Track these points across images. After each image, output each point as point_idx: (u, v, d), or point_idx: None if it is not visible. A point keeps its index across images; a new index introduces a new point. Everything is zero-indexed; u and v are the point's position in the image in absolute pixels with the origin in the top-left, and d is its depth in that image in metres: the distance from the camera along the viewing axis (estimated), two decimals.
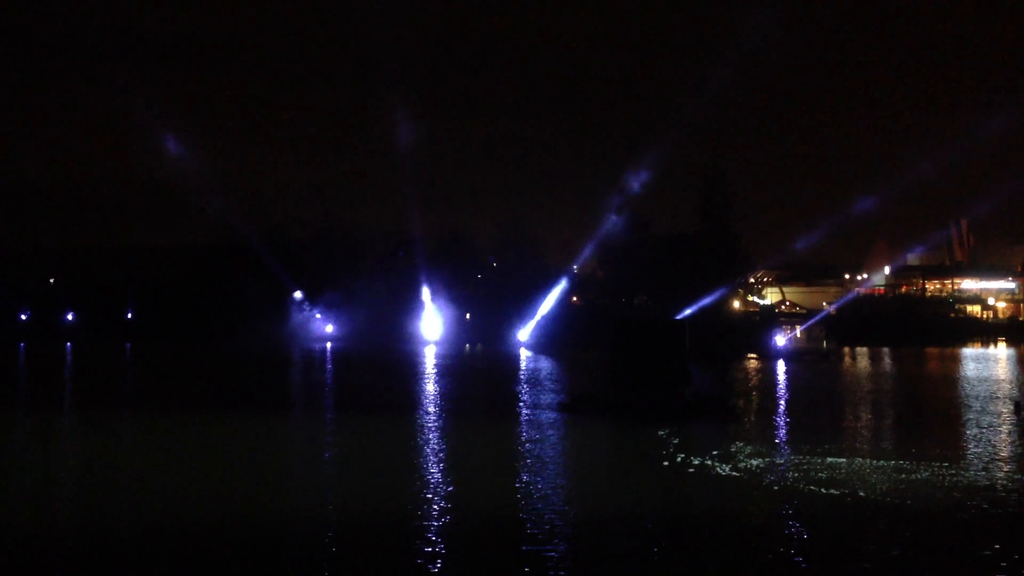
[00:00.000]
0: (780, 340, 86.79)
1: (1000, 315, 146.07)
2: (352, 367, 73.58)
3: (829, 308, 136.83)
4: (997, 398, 47.39)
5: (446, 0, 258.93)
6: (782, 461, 28.87)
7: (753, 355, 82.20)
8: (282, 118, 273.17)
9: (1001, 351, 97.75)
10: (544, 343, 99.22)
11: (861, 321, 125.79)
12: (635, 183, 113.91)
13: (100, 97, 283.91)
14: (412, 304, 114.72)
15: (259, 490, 25.25)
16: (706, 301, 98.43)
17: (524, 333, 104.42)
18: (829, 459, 28.76)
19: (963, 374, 65.65)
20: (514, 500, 23.77)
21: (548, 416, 40.00)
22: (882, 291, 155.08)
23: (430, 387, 56.78)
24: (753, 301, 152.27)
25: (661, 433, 34.55)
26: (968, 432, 35.56)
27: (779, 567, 18.36)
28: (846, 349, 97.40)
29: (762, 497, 24.05)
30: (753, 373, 66.49)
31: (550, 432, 35.64)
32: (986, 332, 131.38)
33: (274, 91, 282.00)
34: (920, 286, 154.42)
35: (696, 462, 28.68)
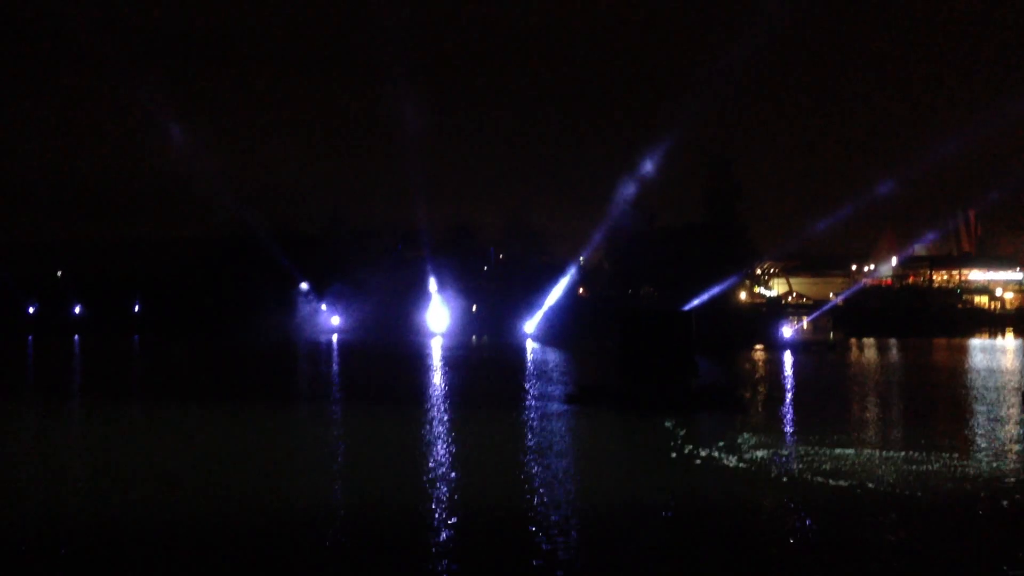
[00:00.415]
0: (787, 331, 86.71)
1: (1008, 306, 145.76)
2: (359, 359, 73.74)
3: (836, 299, 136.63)
4: (1005, 389, 47.31)
5: None
6: (790, 452, 28.88)
7: (760, 346, 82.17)
8: (290, 111, 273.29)
9: (1009, 342, 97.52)
10: (550, 335, 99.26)
11: (868, 312, 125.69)
12: (642, 174, 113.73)
13: (109, 90, 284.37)
14: (419, 296, 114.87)
15: (268, 481, 25.34)
16: (713, 292, 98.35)
17: (530, 325, 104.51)
18: (837, 450, 28.77)
19: (970, 365, 65.56)
20: (522, 491, 23.84)
21: (556, 407, 40.07)
22: (889, 282, 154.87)
23: (437, 379, 56.90)
24: (760, 292, 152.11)
25: (668, 424, 34.59)
26: (976, 423, 35.52)
27: (789, 559, 18.40)
28: (853, 340, 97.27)
29: (771, 489, 24.08)
30: (760, 364, 66.47)
31: (558, 423, 35.70)
32: (994, 323, 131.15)
33: (282, 84, 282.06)
34: (927, 277, 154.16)
35: (704, 453, 28.71)
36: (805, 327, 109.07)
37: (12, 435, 34.03)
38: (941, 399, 44.38)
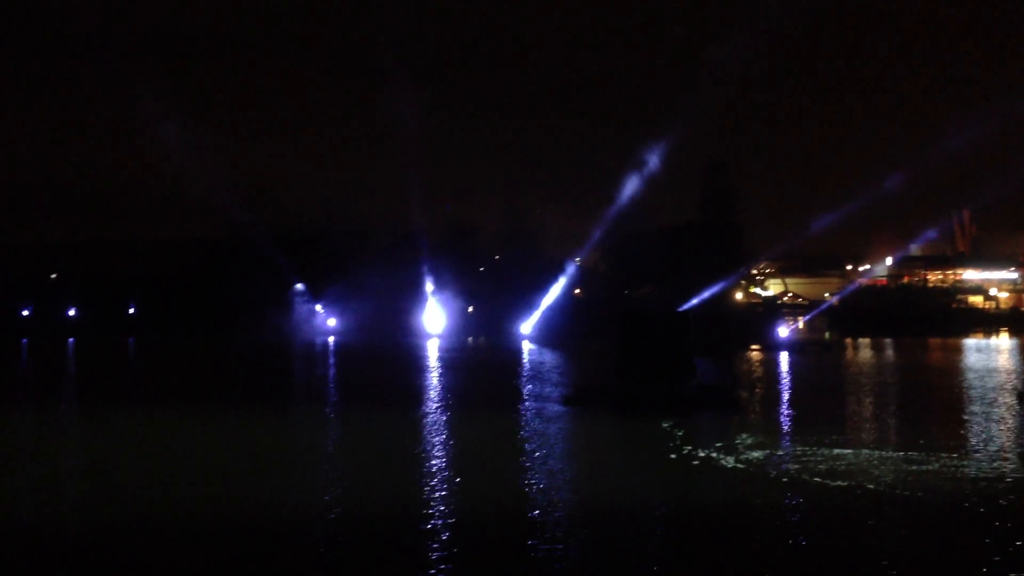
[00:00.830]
0: (783, 331, 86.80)
1: (1002, 305, 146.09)
2: (355, 361, 73.65)
3: (832, 299, 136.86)
4: (1001, 388, 47.39)
5: None
6: (788, 453, 28.89)
7: (756, 346, 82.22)
8: (286, 111, 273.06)
9: (1003, 341, 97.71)
10: (547, 336, 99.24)
11: (863, 312, 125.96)
12: (639, 174, 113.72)
13: (101, 90, 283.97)
14: (415, 297, 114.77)
15: (264, 482, 25.29)
16: (709, 292, 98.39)
17: (527, 326, 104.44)
18: (836, 451, 28.78)
19: (966, 365, 65.66)
20: (520, 493, 23.81)
21: (553, 409, 40.04)
22: (884, 282, 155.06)
23: (434, 380, 56.84)
24: (756, 292, 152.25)
25: (666, 425, 34.59)
26: (973, 423, 35.56)
27: (788, 560, 18.40)
28: (848, 340, 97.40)
29: (769, 489, 24.07)
30: (757, 364, 66.52)
31: (555, 425, 35.68)
32: (988, 322, 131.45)
33: (277, 83, 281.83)
34: (922, 277, 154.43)
35: (702, 454, 28.71)
36: (801, 327, 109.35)
37: (4, 439, 33.91)
38: (938, 399, 44.44)
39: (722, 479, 25.42)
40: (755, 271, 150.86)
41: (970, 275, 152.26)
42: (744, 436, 31.92)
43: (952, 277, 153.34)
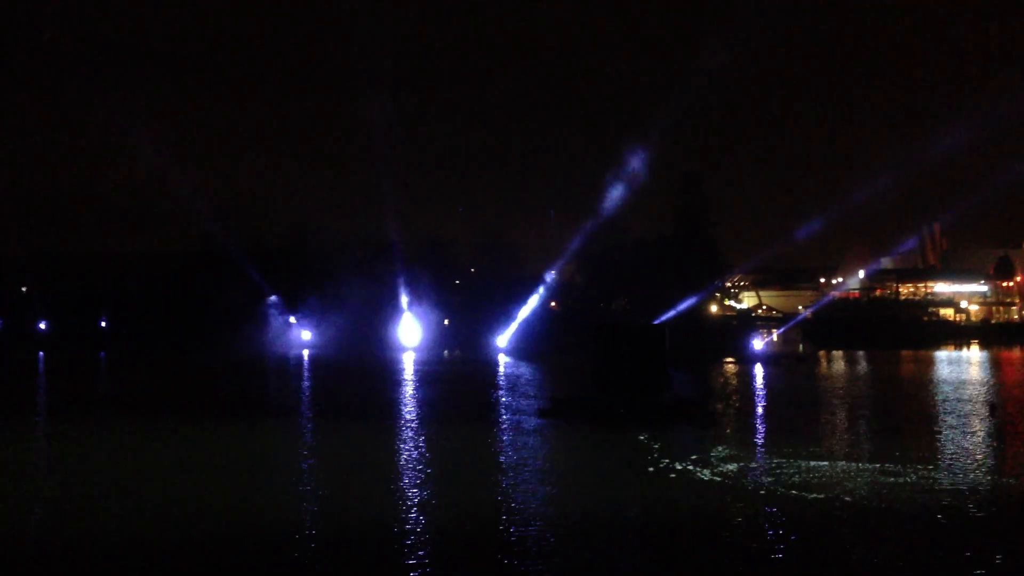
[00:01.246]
0: (757, 344, 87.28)
1: (973, 318, 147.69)
2: (330, 374, 73.15)
3: (805, 312, 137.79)
4: (973, 401, 47.82)
5: (423, 11, 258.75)
6: (764, 465, 28.93)
7: (731, 359, 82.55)
8: (260, 123, 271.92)
9: (974, 354, 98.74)
10: (523, 348, 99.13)
11: (836, 325, 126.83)
12: (615, 188, 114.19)
13: (74, 101, 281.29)
14: (391, 310, 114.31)
15: (237, 498, 24.95)
16: (684, 305, 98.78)
17: (503, 339, 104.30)
18: (811, 463, 28.86)
19: (938, 377, 66.26)
20: (496, 506, 23.65)
21: (529, 421, 39.92)
22: (857, 295, 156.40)
23: (409, 393, 56.55)
24: (730, 305, 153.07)
25: (642, 438, 34.56)
26: (947, 435, 35.81)
27: (767, 573, 18.37)
28: (822, 353, 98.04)
29: (747, 502, 24.06)
30: (731, 377, 66.77)
31: (531, 438, 35.55)
32: (959, 335, 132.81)
33: (251, 97, 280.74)
34: (894, 289, 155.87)
35: (679, 467, 28.69)
36: (775, 340, 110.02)
37: None
38: (911, 411, 44.76)
39: (700, 492, 25.39)
40: (729, 284, 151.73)
41: (941, 288, 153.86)
42: (720, 448, 31.95)
43: (924, 290, 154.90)
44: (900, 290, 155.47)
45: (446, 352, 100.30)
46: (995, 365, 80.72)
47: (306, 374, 73.57)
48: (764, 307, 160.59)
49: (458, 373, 74.00)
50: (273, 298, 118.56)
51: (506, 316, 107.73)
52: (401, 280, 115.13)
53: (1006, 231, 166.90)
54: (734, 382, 62.88)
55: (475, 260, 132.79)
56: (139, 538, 20.92)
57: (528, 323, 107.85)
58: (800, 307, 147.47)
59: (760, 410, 46.55)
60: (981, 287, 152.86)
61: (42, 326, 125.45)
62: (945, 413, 42.78)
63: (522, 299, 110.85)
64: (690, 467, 28.54)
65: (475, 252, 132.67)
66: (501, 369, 74.95)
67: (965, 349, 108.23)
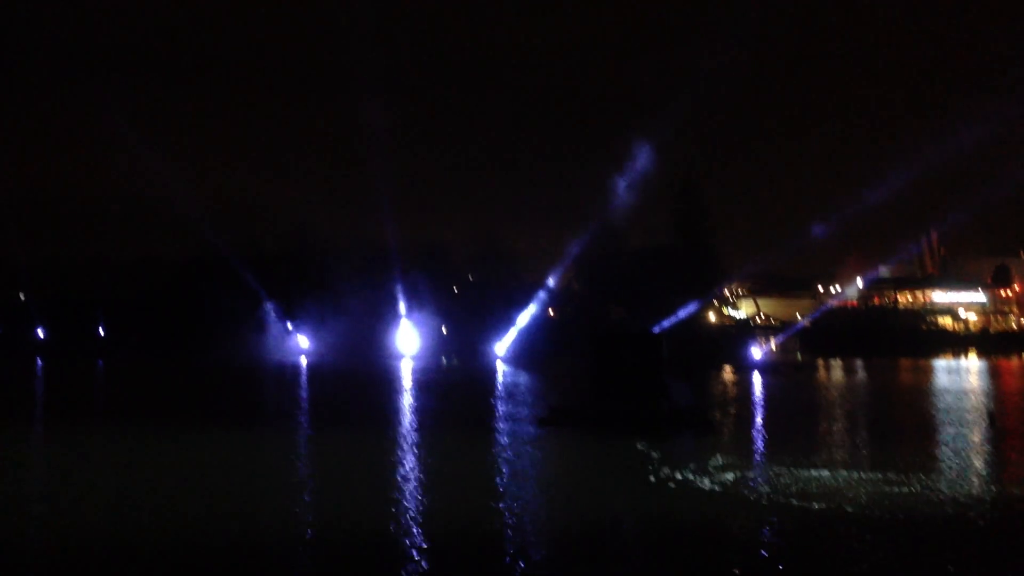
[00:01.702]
0: (755, 352, 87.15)
1: (971, 327, 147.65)
2: (328, 381, 72.96)
3: (803, 320, 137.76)
4: (973, 410, 47.67)
5: (420, 18, 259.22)
6: (765, 475, 28.76)
7: (729, 367, 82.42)
8: (257, 130, 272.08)
9: (972, 363, 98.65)
10: (521, 356, 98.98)
11: (834, 333, 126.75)
12: (613, 195, 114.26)
13: (71, 108, 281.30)
14: (388, 318, 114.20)
15: (234, 507, 24.77)
16: (682, 313, 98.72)
17: (501, 346, 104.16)
18: (812, 472, 28.70)
19: (937, 386, 66.13)
20: (494, 515, 23.47)
21: (526, 430, 39.74)
22: (855, 303, 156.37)
23: (407, 401, 56.36)
24: (728, 313, 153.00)
25: (640, 446, 34.39)
26: (946, 445, 35.65)
27: None
28: (820, 361, 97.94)
29: (748, 512, 23.87)
30: (730, 385, 66.62)
31: (528, 446, 35.37)
32: (957, 344, 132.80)
33: (248, 103, 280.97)
34: (892, 298, 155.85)
35: (678, 476, 28.51)
36: (773, 348, 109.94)
37: None
38: (911, 420, 44.62)
39: (700, 502, 25.22)
40: (727, 292, 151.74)
41: (939, 297, 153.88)
42: (720, 457, 31.77)
43: (922, 298, 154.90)
44: (898, 299, 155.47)
45: (444, 360, 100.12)
46: (994, 374, 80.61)
47: (304, 382, 73.35)
48: (762, 315, 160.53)
49: (456, 381, 73.81)
50: (271, 305, 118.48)
51: (504, 324, 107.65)
52: (399, 287, 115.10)
53: (1004, 240, 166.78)
54: (733, 390, 62.73)
55: (473, 267, 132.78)
56: (138, 547, 20.73)
57: (526, 331, 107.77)
58: (798, 315, 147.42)
59: (759, 419, 46.40)
60: (979, 296, 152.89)
61: (40, 333, 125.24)
62: (945, 422, 42.63)
63: (520, 307, 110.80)
64: (690, 476, 28.37)
65: (473, 259, 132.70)
66: (499, 377, 74.76)
67: (963, 358, 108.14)
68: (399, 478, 29.00)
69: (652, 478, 28.52)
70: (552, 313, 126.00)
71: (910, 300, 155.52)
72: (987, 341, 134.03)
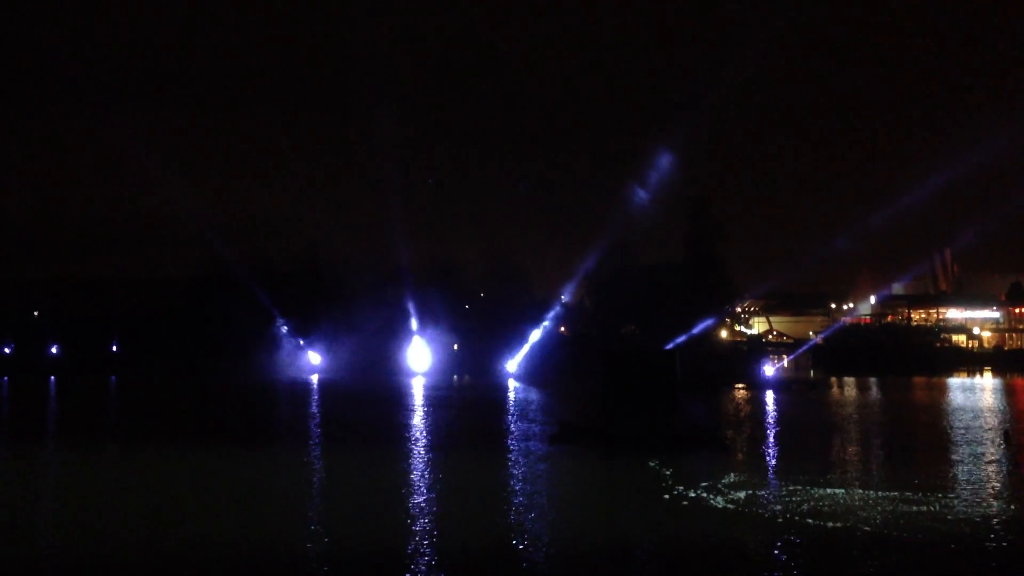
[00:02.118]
0: (768, 370, 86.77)
1: (985, 344, 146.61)
2: (340, 399, 73.00)
3: (816, 338, 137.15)
4: (988, 429, 47.33)
5: (432, 35, 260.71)
6: (779, 493, 28.61)
7: (741, 385, 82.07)
8: (270, 148, 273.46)
9: (987, 381, 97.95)
10: (533, 374, 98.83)
11: (848, 351, 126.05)
12: (624, 212, 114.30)
13: (83, 127, 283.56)
14: (401, 335, 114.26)
15: (249, 520, 24.80)
16: (694, 331, 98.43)
17: (512, 364, 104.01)
18: (827, 490, 28.54)
19: (951, 405, 65.66)
20: (508, 533, 23.42)
21: (539, 448, 39.66)
22: (868, 320, 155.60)
23: (419, 419, 56.34)
24: (740, 331, 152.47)
25: (653, 464, 34.27)
26: (962, 464, 35.40)
27: None
28: (833, 379, 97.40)
29: (762, 531, 23.74)
30: (743, 403, 66.32)
31: (541, 464, 35.30)
32: (971, 361, 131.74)
33: (262, 121, 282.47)
34: (906, 316, 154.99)
35: (691, 494, 28.39)
36: (786, 366, 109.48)
37: None
38: (925, 439, 44.31)
39: (714, 520, 25.11)
40: (740, 309, 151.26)
41: (953, 314, 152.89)
42: (733, 476, 31.63)
43: (935, 316, 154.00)
44: (912, 316, 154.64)
45: (456, 377, 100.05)
46: (1009, 392, 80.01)
47: (316, 399, 73.41)
48: (774, 333, 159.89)
49: (468, 398, 73.74)
50: (283, 323, 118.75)
51: (516, 341, 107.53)
52: (411, 304, 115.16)
53: (1018, 257, 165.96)
54: (745, 408, 62.44)
55: (485, 284, 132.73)
56: (149, 563, 20.76)
57: (538, 348, 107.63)
58: (811, 333, 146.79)
59: (772, 437, 46.16)
60: (993, 313, 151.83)
61: (54, 350, 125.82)
62: (960, 442, 42.32)
63: (532, 324, 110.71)
64: (703, 494, 28.24)
65: (485, 276, 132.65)
66: (511, 394, 74.66)
67: (978, 376, 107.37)
68: (414, 496, 28.96)
69: (665, 496, 28.41)
70: (563, 330, 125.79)
71: (924, 318, 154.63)
72: (1002, 359, 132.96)
